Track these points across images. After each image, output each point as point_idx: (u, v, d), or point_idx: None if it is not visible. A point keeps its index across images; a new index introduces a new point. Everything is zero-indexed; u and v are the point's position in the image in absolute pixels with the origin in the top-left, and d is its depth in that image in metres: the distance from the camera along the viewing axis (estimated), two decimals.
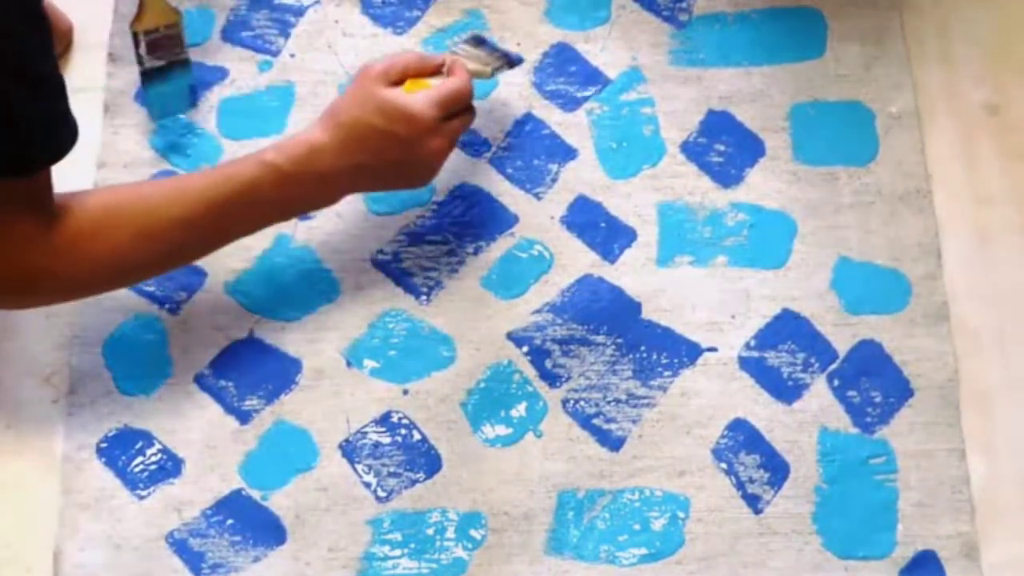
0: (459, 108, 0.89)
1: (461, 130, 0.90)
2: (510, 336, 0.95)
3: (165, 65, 0.99)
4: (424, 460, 0.92)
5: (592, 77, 1.03)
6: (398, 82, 0.88)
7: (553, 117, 1.02)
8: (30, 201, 0.77)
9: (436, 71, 0.91)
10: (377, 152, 0.85)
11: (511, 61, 0.97)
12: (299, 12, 1.06)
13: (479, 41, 0.97)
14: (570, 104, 1.03)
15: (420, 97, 0.86)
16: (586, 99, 1.03)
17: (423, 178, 0.90)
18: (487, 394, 0.94)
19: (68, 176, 1.00)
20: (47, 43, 0.72)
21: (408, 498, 0.91)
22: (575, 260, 0.98)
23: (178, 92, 1.01)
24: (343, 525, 0.90)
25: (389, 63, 0.88)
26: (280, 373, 0.94)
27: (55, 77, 0.74)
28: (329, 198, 0.88)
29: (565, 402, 0.94)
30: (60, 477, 0.91)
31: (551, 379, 0.94)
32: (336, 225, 0.99)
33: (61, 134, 0.76)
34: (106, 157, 1.00)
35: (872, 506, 0.90)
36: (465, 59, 0.93)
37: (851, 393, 0.94)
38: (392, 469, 0.92)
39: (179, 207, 0.81)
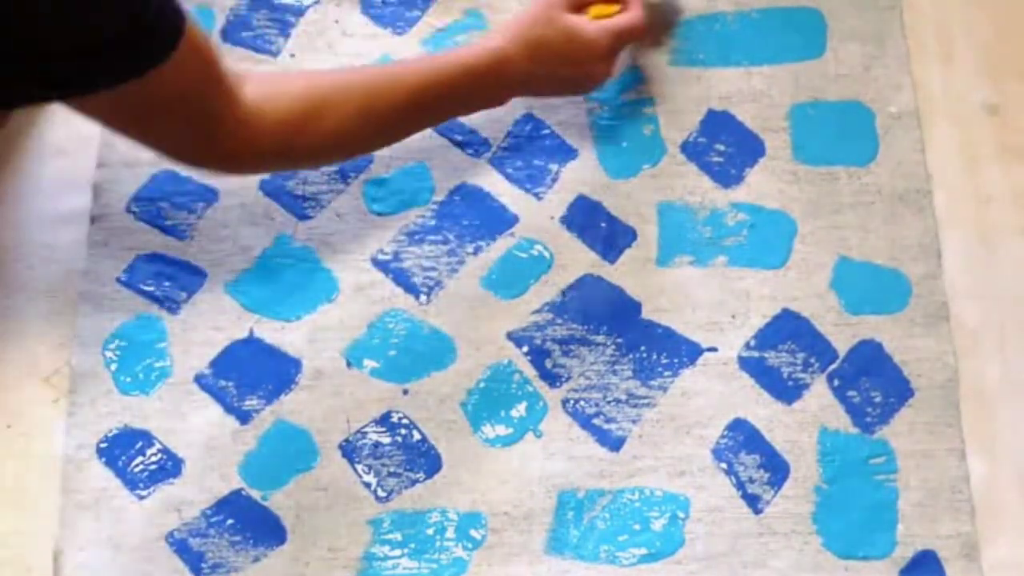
0: (631, 40, 0.98)
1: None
2: (510, 336, 0.95)
3: None
4: (424, 460, 0.92)
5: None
6: (580, 7, 0.96)
7: (553, 117, 1.03)
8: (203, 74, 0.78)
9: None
10: (553, 68, 0.94)
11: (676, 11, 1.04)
12: (299, 12, 1.06)
13: None
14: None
15: (600, 27, 0.95)
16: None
17: (583, 92, 1.00)
18: (487, 394, 0.94)
19: (70, 176, 1.00)
20: None
21: (408, 498, 0.91)
22: (575, 260, 0.98)
23: None
24: (343, 525, 0.90)
25: None
26: (280, 373, 0.94)
27: None
28: (502, 100, 0.96)
29: (565, 402, 0.94)
30: (60, 477, 0.91)
31: (551, 379, 0.94)
32: (336, 225, 0.99)
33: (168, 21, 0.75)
34: (106, 157, 1.00)
35: (872, 506, 0.90)
36: None
37: (851, 393, 0.94)
38: (392, 469, 0.92)
39: (399, 84, 0.88)
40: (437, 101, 0.91)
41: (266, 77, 0.87)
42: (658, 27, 1.04)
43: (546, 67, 0.93)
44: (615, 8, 0.97)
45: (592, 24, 0.95)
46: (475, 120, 1.02)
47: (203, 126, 0.79)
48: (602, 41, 0.94)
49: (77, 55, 0.68)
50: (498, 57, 0.91)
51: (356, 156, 0.98)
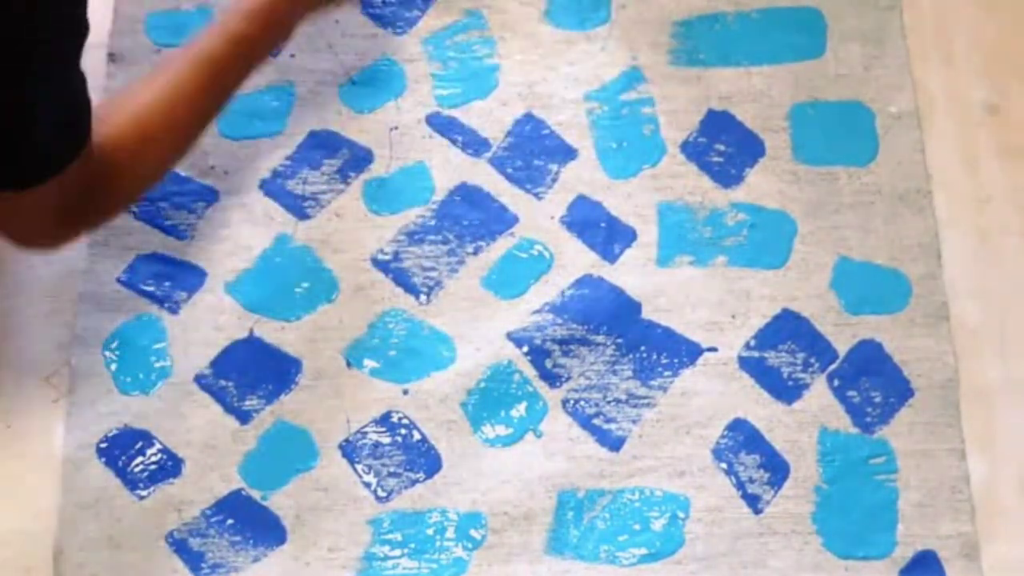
0: None
1: None
2: (510, 336, 0.95)
3: None
4: (424, 460, 0.92)
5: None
6: None
7: (553, 117, 1.03)
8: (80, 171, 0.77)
9: None
10: None
11: None
12: None
13: None
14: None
15: None
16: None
17: None
18: (487, 394, 0.94)
19: None
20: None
21: (408, 498, 0.91)
22: (575, 260, 0.98)
23: None
24: (343, 525, 0.90)
25: None
26: (280, 373, 0.94)
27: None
28: (287, 33, 0.93)
29: (565, 402, 0.94)
30: (60, 477, 0.91)
31: (551, 379, 0.94)
32: (336, 225, 0.99)
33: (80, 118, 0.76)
34: None
35: (872, 506, 0.90)
36: None
37: (851, 393, 0.94)
38: (392, 469, 0.92)
39: (191, 85, 0.85)
40: (231, 62, 0.88)
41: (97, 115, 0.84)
42: None
43: None
44: None
45: None
46: (475, 120, 1.02)
47: (72, 215, 0.79)
48: None
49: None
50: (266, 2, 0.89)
51: (190, 145, 0.90)
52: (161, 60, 0.97)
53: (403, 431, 0.93)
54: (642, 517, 0.90)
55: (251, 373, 0.94)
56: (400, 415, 0.93)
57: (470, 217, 0.99)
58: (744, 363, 0.94)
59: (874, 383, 0.94)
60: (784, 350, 0.95)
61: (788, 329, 0.96)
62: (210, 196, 1.00)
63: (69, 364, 0.94)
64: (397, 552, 0.89)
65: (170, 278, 0.97)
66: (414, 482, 0.91)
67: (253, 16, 0.89)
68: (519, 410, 0.93)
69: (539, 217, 0.99)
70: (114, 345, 0.95)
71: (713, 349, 0.95)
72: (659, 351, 0.95)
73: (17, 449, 0.92)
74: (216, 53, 0.87)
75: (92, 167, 0.77)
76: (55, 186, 0.73)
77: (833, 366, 0.94)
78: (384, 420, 0.93)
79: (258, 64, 0.91)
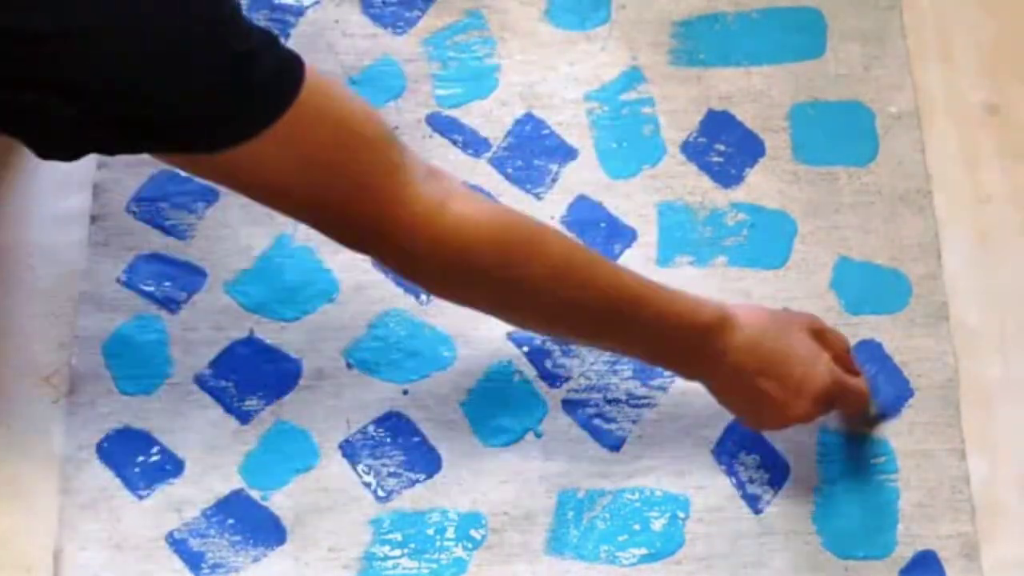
0: (847, 405, 0.87)
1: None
2: (510, 336, 0.95)
3: None
4: (424, 460, 0.92)
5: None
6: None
7: (553, 117, 1.02)
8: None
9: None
10: (761, 368, 0.82)
11: (886, 415, 0.93)
12: (299, 12, 1.06)
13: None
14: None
15: (829, 367, 0.84)
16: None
17: (767, 422, 0.87)
18: (487, 394, 0.94)
19: (69, 175, 1.00)
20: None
21: (408, 498, 0.91)
22: None
23: None
24: (343, 525, 0.90)
25: (835, 338, 0.87)
26: (280, 373, 0.94)
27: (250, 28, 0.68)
28: (696, 373, 0.85)
29: (565, 402, 0.94)
30: (60, 477, 0.91)
31: (551, 379, 0.94)
32: None
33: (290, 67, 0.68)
34: (106, 157, 1.00)
35: (872, 506, 0.90)
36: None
37: None
38: (392, 469, 0.92)
39: (606, 270, 0.78)
40: (635, 317, 0.78)
41: (464, 186, 0.77)
42: (863, 417, 0.92)
43: (755, 364, 0.81)
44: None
45: (825, 364, 0.83)
46: (475, 120, 1.02)
47: (347, 208, 0.71)
48: (823, 378, 0.82)
49: (163, 115, 0.64)
50: (719, 322, 0.80)
51: (528, 322, 0.83)
52: (612, 264, 0.83)
53: (403, 431, 0.93)
54: (642, 517, 0.90)
55: (251, 373, 0.94)
56: (400, 415, 0.93)
57: None
58: None
59: (874, 382, 0.94)
60: None
61: None
62: (210, 196, 1.00)
63: (69, 364, 0.94)
64: (397, 552, 0.89)
65: (170, 278, 0.97)
66: (414, 482, 0.91)
67: (696, 317, 0.79)
68: (519, 410, 0.93)
69: (539, 217, 0.99)
70: (114, 345, 0.95)
71: None
72: None
73: (17, 449, 0.92)
74: (642, 298, 0.78)
75: (403, 197, 0.70)
76: (275, 139, 0.66)
77: None
78: (384, 420, 0.93)
79: (653, 353, 0.82)
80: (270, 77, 0.66)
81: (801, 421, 0.84)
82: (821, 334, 0.86)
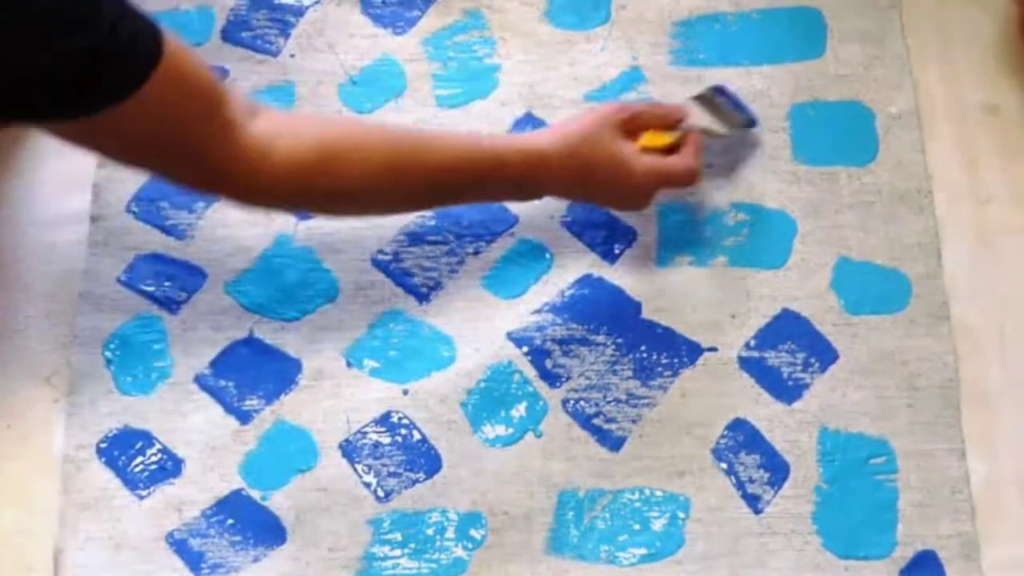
0: (680, 187, 0.94)
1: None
2: (510, 336, 0.95)
3: None
4: (424, 460, 0.92)
5: None
6: (634, 131, 0.91)
7: (553, 117, 1.02)
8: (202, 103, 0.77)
9: (674, 124, 0.93)
10: (589, 189, 0.91)
11: (749, 121, 0.97)
12: (299, 12, 1.06)
13: (720, 92, 0.97)
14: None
15: (647, 165, 0.90)
16: None
17: (618, 208, 0.97)
18: (487, 394, 0.94)
19: (70, 176, 1.00)
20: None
21: (408, 498, 0.91)
22: (575, 260, 0.98)
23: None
24: (343, 525, 0.90)
25: (631, 113, 0.92)
26: (280, 373, 0.94)
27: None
28: (531, 199, 0.94)
29: (565, 402, 0.94)
30: (60, 477, 0.91)
31: (551, 379, 0.94)
32: (336, 225, 0.99)
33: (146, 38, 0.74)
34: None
35: (872, 506, 0.90)
36: (700, 113, 0.95)
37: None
38: (392, 469, 0.92)
39: (427, 155, 0.86)
40: (462, 185, 0.88)
41: (284, 115, 0.85)
42: (726, 162, 0.98)
43: (582, 187, 0.91)
44: (668, 139, 0.92)
45: (642, 163, 0.90)
46: (475, 120, 1.02)
47: (196, 156, 0.78)
48: (647, 183, 0.91)
49: (34, 84, 0.68)
50: (536, 163, 0.88)
51: (369, 214, 0.95)
52: (408, 127, 0.97)
53: (403, 431, 0.93)
54: (642, 517, 0.90)
55: (251, 373, 0.94)
56: (400, 415, 0.93)
57: (470, 217, 0.99)
58: (744, 363, 0.94)
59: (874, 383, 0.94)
60: (784, 350, 0.95)
61: (788, 329, 0.96)
62: (210, 196, 0.99)
63: (69, 364, 0.94)
64: (397, 552, 0.89)
65: (170, 278, 0.97)
66: (414, 482, 0.91)
67: (520, 153, 0.88)
68: (519, 410, 0.93)
69: (539, 217, 0.99)
70: (114, 345, 0.95)
71: (713, 349, 0.95)
72: (659, 351, 0.95)
73: (17, 449, 0.92)
74: (469, 153, 0.87)
75: (237, 141, 0.78)
76: (139, 107, 0.72)
77: (833, 366, 0.94)
78: (384, 420, 0.93)
79: (489, 195, 0.92)
80: (138, 44, 0.72)
81: (644, 207, 0.94)
82: (628, 122, 0.91)
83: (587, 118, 0.90)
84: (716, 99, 0.98)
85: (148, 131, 0.75)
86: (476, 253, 0.98)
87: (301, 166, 0.81)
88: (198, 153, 0.78)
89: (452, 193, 0.89)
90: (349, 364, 0.95)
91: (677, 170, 0.91)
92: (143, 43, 0.72)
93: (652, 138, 0.92)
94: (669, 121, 0.94)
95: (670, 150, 0.92)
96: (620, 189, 0.91)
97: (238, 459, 0.92)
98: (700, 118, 0.95)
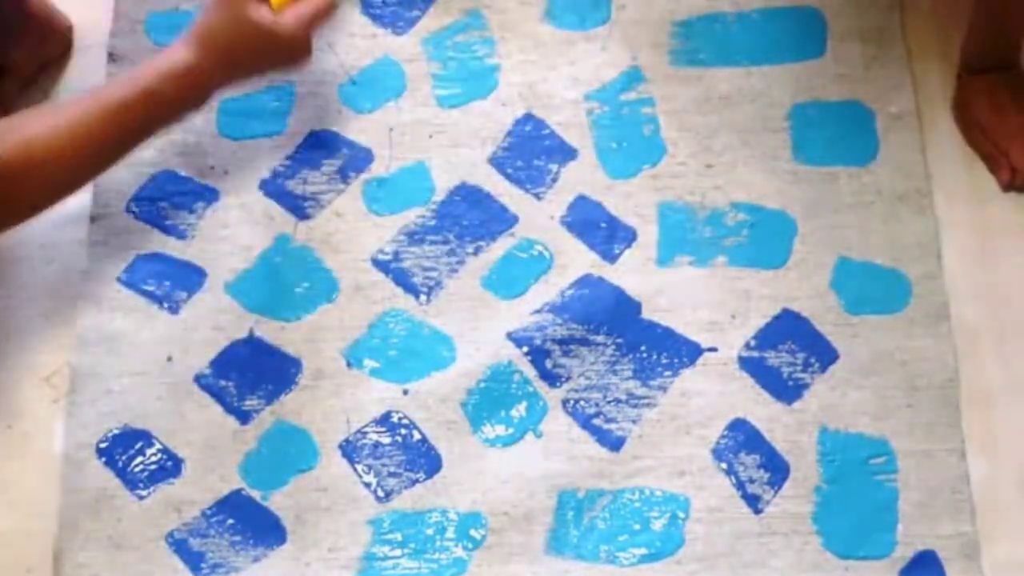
0: (325, 22, 0.95)
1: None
2: (510, 336, 0.95)
3: None
4: (424, 460, 0.92)
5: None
6: None
7: (553, 117, 1.03)
8: None
9: None
10: (251, 66, 0.93)
11: None
12: None
13: None
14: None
15: (293, 21, 0.92)
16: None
17: (289, 74, 1.00)
18: (487, 394, 0.94)
19: None
20: None
21: (408, 498, 0.91)
22: (575, 260, 0.98)
23: None
24: (343, 525, 0.90)
25: None
26: (280, 373, 0.94)
27: None
28: (206, 100, 0.93)
29: (565, 402, 0.94)
30: (60, 477, 0.91)
31: (551, 379, 0.94)
32: (336, 225, 0.99)
33: None
34: None
35: (872, 506, 0.90)
36: None
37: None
38: (392, 469, 0.92)
39: (94, 126, 0.87)
40: (136, 130, 0.89)
41: None
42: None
43: (244, 67, 0.93)
44: None
45: (285, 20, 0.92)
46: (475, 120, 1.02)
47: None
48: (299, 34, 0.92)
49: None
50: (188, 76, 0.89)
51: (82, 182, 0.92)
52: (69, 98, 0.97)
53: (403, 431, 0.93)
54: (642, 517, 0.90)
55: (251, 373, 0.94)
56: (400, 415, 0.93)
57: (470, 217, 0.99)
58: (744, 363, 0.94)
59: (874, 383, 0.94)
60: (784, 350, 0.95)
61: (788, 329, 0.96)
62: (210, 196, 1.00)
63: (69, 364, 0.94)
64: (397, 552, 0.89)
65: (170, 278, 0.97)
66: (414, 482, 0.91)
67: (170, 77, 0.89)
68: (519, 410, 0.93)
69: (539, 217, 0.99)
70: (114, 344, 0.95)
71: (713, 349, 0.95)
72: (659, 351, 0.95)
73: (17, 449, 0.92)
74: (127, 103, 0.88)
75: None
76: None
77: (833, 366, 0.94)
78: (384, 420, 0.93)
79: (167, 124, 0.92)
80: None
81: (309, 57, 0.94)
82: None
83: (213, 6, 0.91)
84: None
85: None
86: (476, 253, 0.98)
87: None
88: None
89: (132, 140, 0.90)
90: (349, 364, 0.95)
91: (316, 7, 0.93)
92: None
93: None
94: None
95: None
96: (277, 52, 0.92)
97: (238, 459, 0.92)
98: None
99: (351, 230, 0.99)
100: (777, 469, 0.92)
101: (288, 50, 0.93)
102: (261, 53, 0.92)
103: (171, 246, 0.98)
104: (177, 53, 0.90)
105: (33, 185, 0.85)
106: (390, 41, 1.06)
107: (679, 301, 0.96)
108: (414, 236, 0.99)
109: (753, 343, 0.95)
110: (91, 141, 0.87)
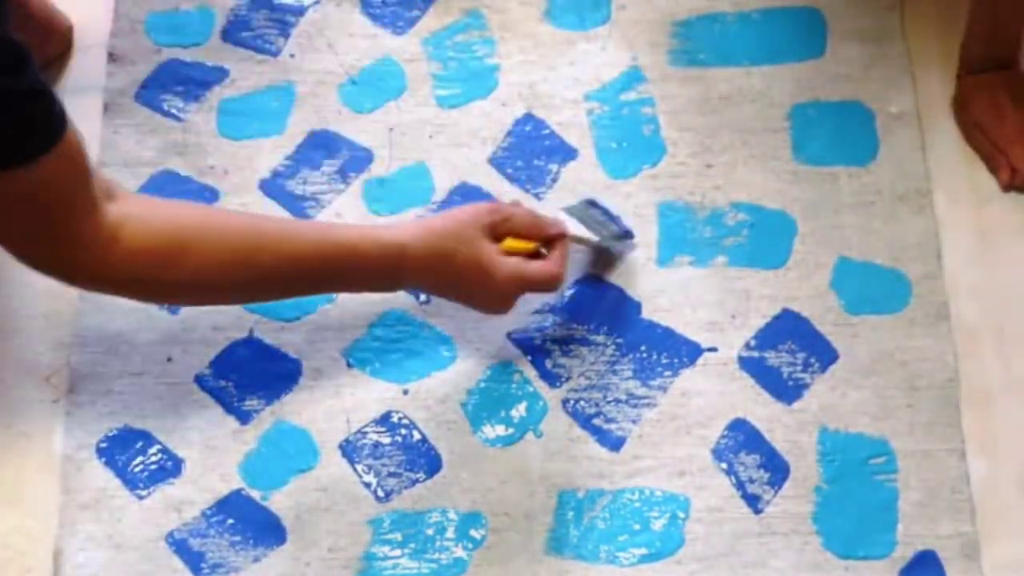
0: (542, 291, 0.91)
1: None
2: (510, 336, 0.95)
3: None
4: (424, 460, 0.92)
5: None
6: (502, 235, 0.89)
7: (553, 117, 1.03)
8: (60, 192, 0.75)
9: (542, 239, 0.90)
10: (449, 285, 0.89)
11: (621, 233, 0.95)
12: (299, 12, 1.06)
13: (592, 204, 0.95)
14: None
15: (510, 269, 0.88)
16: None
17: (481, 311, 0.92)
18: (487, 394, 0.94)
19: None
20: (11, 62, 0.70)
21: (408, 498, 0.91)
22: (575, 260, 0.97)
23: None
24: (343, 525, 0.90)
25: (502, 216, 0.89)
26: (280, 373, 0.94)
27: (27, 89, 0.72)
28: (390, 291, 0.92)
29: (565, 402, 0.94)
30: (60, 477, 0.91)
31: (551, 379, 0.94)
32: None
33: (48, 125, 0.73)
34: (106, 157, 1.00)
35: (872, 506, 0.90)
36: (572, 223, 0.92)
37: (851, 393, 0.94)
38: (392, 469, 0.92)
39: (280, 246, 0.83)
40: (319, 275, 0.86)
41: (139, 199, 0.83)
42: (595, 266, 0.97)
43: (443, 284, 0.89)
44: (531, 245, 0.90)
45: (505, 267, 0.88)
46: (475, 120, 1.02)
47: (53, 233, 0.75)
48: (508, 287, 0.89)
49: None
50: (395, 256, 0.85)
51: (222, 302, 0.92)
52: (267, 216, 0.95)
53: (403, 431, 0.93)
54: (642, 517, 0.90)
55: (251, 373, 0.94)
56: (400, 415, 0.93)
57: None
58: (744, 363, 0.94)
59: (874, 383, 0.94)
60: (784, 350, 0.95)
61: (788, 329, 0.96)
62: (210, 196, 1.00)
63: (69, 364, 0.94)
64: (397, 552, 0.89)
65: None
66: (414, 482, 0.91)
67: (378, 243, 0.86)
68: (519, 410, 0.93)
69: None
70: (114, 345, 0.95)
71: (713, 349, 0.95)
72: (659, 351, 0.95)
73: (17, 449, 0.92)
74: (319, 246, 0.84)
75: (92, 217, 0.75)
76: (28, 176, 0.70)
77: (833, 366, 0.94)
78: (384, 420, 0.93)
79: (344, 281, 0.88)
80: (52, 113, 0.71)
81: (503, 312, 0.91)
82: (498, 225, 0.89)
83: (457, 214, 0.89)
84: (589, 211, 0.95)
85: (22, 204, 0.73)
86: None
87: (146, 255, 0.78)
88: (56, 236, 0.75)
89: (309, 284, 0.87)
90: (349, 364, 0.95)
91: (540, 276, 0.89)
92: (56, 115, 0.71)
93: (515, 242, 0.89)
94: (539, 233, 0.90)
95: (533, 254, 0.90)
96: (482, 290, 0.89)
97: (238, 459, 0.92)
98: (571, 227, 0.92)
99: None
100: (777, 469, 0.92)
101: (492, 293, 0.89)
102: (468, 280, 0.88)
103: None
104: (399, 230, 0.87)
105: (168, 273, 0.79)
106: (390, 41, 1.06)
107: (679, 301, 0.96)
108: None
109: (753, 343, 0.95)
110: (259, 252, 0.82)
